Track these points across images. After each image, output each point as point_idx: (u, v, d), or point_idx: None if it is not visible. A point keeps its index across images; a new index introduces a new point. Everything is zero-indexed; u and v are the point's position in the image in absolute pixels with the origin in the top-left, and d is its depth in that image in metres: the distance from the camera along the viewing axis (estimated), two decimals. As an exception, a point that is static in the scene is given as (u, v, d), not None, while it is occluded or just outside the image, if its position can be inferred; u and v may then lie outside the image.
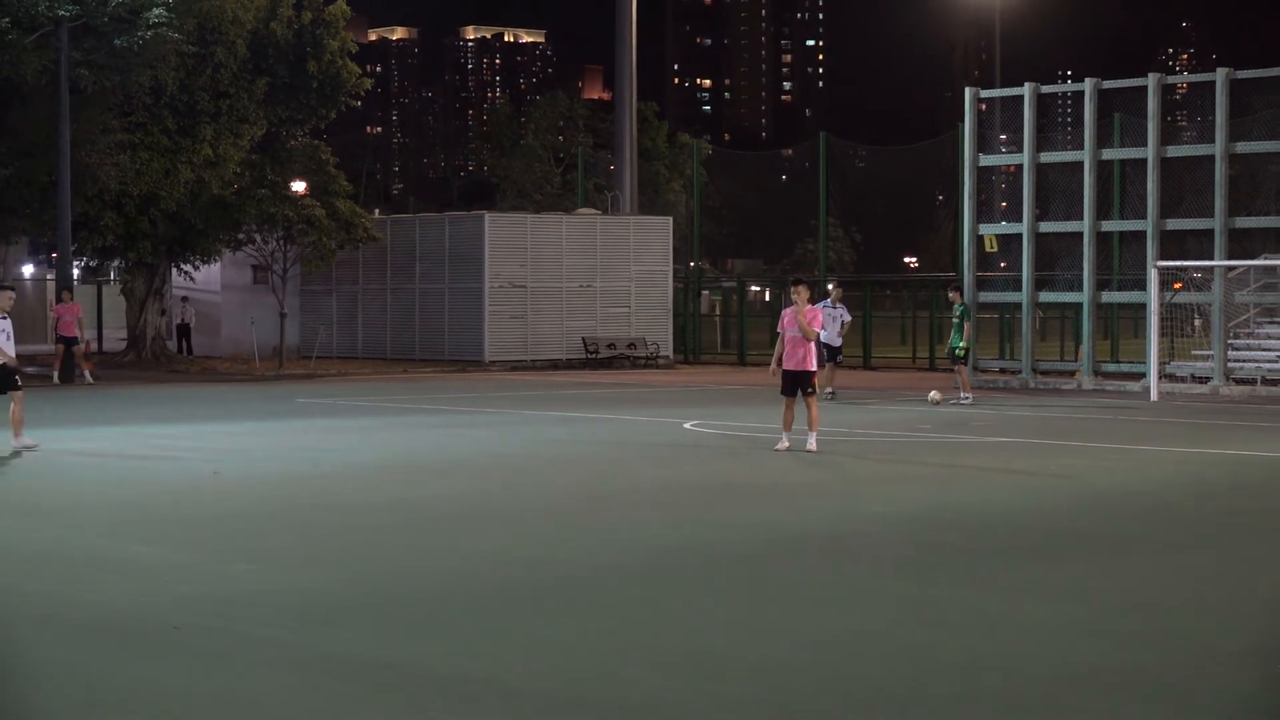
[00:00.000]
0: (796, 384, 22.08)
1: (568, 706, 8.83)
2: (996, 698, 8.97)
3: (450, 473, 19.99)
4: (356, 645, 10.11)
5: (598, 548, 13.92)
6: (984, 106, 40.90)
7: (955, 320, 33.11)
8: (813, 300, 23.09)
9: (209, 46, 45.07)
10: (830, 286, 34.21)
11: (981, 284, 40.15)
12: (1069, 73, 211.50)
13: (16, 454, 21.30)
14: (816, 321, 22.03)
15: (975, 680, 9.29)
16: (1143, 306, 37.59)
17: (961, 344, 32.84)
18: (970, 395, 32.66)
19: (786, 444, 21.96)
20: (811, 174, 59.14)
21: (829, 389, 33.04)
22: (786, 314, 22.17)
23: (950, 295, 34.31)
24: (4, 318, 21.71)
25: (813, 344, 22.01)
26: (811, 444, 21.84)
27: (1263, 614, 11.26)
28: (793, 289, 22.56)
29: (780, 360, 22.23)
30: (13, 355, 21.76)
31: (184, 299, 52.65)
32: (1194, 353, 37.71)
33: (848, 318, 34.06)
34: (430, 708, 8.77)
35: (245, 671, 9.46)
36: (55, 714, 8.70)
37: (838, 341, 33.41)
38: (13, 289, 23.00)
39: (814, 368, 22.13)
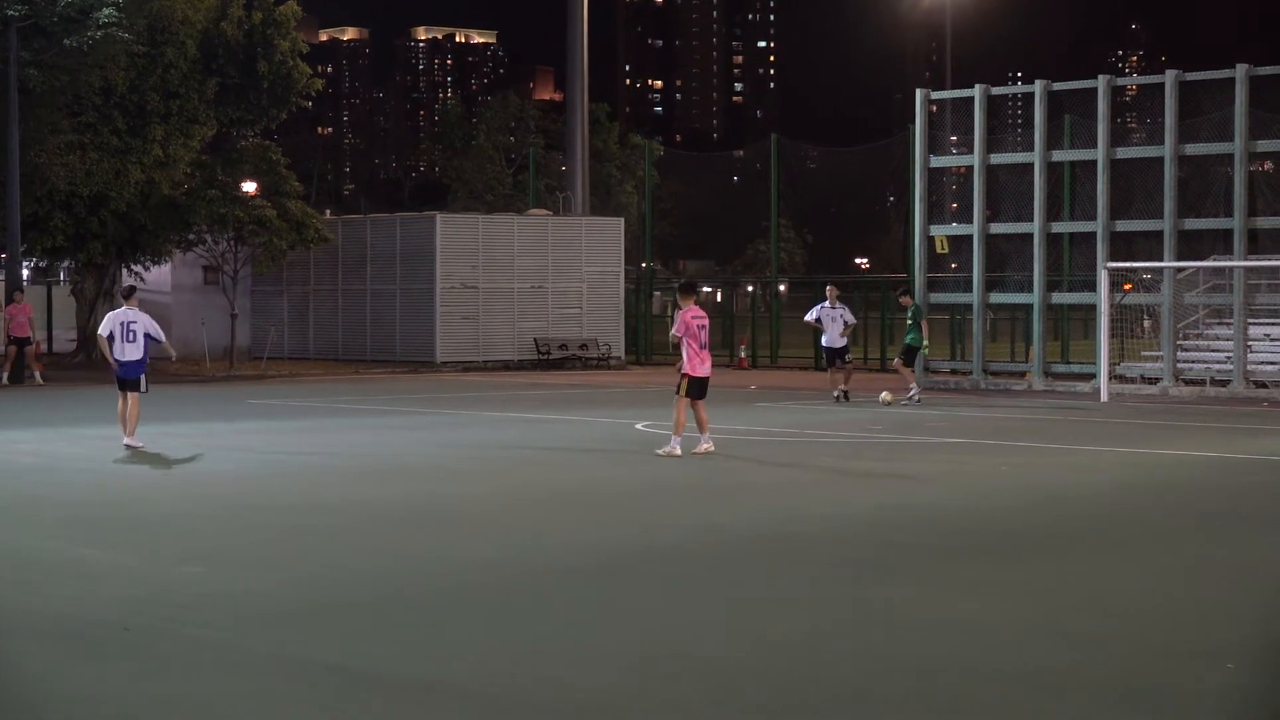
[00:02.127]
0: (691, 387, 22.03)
1: (521, 709, 8.79)
2: (952, 698, 8.97)
3: (402, 474, 19.92)
4: (307, 648, 10.05)
5: (550, 549, 13.88)
6: (935, 108, 40.97)
7: (910, 321, 33.12)
8: (698, 302, 22.64)
9: (159, 47, 44.78)
10: (828, 288, 33.91)
11: (932, 285, 40.22)
12: (1019, 74, 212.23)
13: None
14: (679, 327, 21.74)
15: (930, 680, 9.29)
16: (1093, 308, 37.72)
17: (925, 341, 32.90)
18: (916, 387, 32.72)
19: (685, 447, 21.84)
20: (763, 175, 59.18)
21: (840, 389, 32.69)
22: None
23: (901, 299, 34.34)
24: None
25: (684, 348, 21.80)
26: (704, 446, 21.88)
27: (1217, 613, 11.29)
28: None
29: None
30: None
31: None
32: (1144, 354, 37.91)
33: (850, 319, 33.22)
34: (381, 711, 8.72)
35: (195, 674, 9.39)
36: (3, 718, 8.63)
37: (840, 343, 32.94)
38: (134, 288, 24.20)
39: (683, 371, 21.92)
